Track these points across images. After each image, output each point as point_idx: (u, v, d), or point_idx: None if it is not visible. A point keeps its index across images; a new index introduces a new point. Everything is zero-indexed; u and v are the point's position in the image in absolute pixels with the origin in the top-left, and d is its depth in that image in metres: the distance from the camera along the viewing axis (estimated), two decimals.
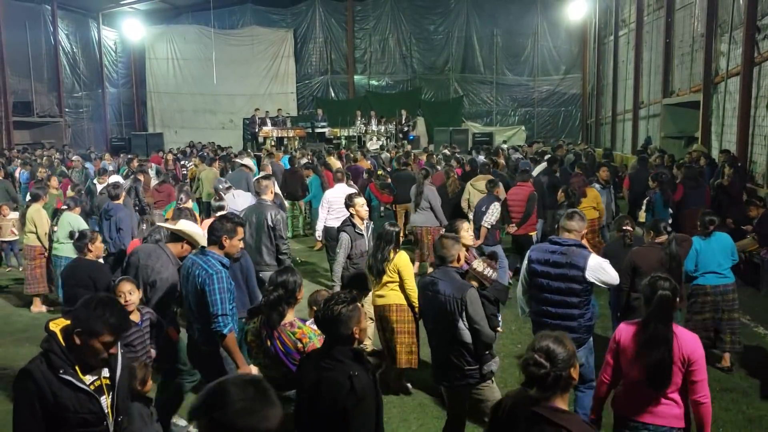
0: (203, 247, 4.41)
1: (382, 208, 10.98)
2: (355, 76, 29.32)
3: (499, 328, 4.42)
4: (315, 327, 3.45)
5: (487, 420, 2.79)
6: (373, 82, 29.40)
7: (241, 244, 4.48)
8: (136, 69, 30.15)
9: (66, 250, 7.84)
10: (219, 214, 6.22)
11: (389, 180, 11.41)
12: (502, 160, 14.33)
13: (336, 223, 7.50)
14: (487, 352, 4.19)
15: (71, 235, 5.70)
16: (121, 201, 7.90)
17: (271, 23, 29.16)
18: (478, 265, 4.51)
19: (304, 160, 13.84)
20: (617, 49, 23.46)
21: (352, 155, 16.11)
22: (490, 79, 28.42)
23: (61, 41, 25.69)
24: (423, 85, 28.67)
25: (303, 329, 3.56)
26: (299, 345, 3.48)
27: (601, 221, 9.36)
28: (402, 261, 5.56)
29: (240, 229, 4.38)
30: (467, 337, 4.10)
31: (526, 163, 13.91)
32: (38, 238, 8.35)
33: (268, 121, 23.65)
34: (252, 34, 28.67)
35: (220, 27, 28.54)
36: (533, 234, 9.12)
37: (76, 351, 2.68)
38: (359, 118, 23.78)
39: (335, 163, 13.84)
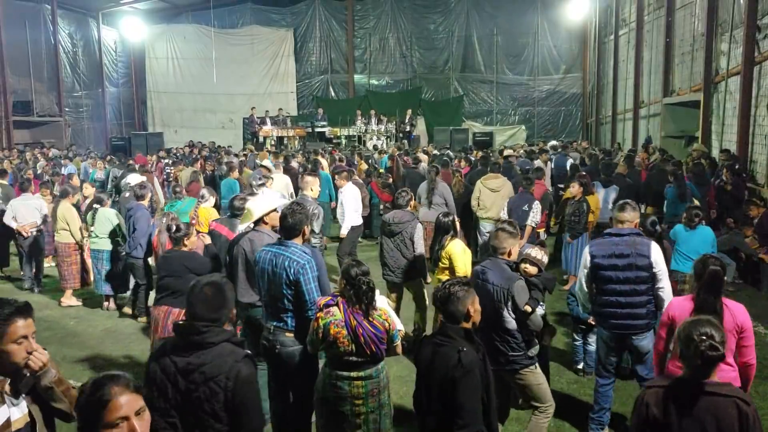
0: (280, 238, 4.52)
1: (382, 206, 11.06)
2: (355, 76, 29.31)
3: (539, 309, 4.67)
4: (385, 306, 4.06)
5: (632, 421, 2.98)
6: (373, 82, 29.38)
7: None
8: (136, 68, 30.14)
9: (106, 244, 8.22)
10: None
11: (390, 179, 11.53)
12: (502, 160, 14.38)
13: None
14: (528, 339, 4.46)
15: (169, 228, 5.84)
16: (145, 202, 8.08)
17: (271, 22, 29.15)
18: (533, 251, 4.77)
19: (294, 164, 13.87)
20: (617, 48, 23.44)
21: (337, 156, 16.13)
22: (491, 78, 28.40)
23: (61, 40, 25.67)
24: (423, 85, 28.65)
25: (383, 309, 3.97)
26: (386, 324, 3.87)
27: (594, 224, 9.35)
28: (453, 248, 5.96)
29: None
30: (512, 324, 4.35)
31: (526, 162, 13.96)
32: (71, 234, 8.49)
33: (268, 120, 23.66)
34: (252, 33, 28.66)
35: (220, 26, 28.53)
36: (541, 231, 9.23)
37: None
38: (359, 118, 23.78)
39: (325, 163, 13.93)
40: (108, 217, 8.30)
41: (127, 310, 8.33)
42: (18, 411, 2.60)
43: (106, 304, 8.55)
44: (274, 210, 5.26)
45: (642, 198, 10.83)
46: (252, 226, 5.26)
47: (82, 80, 27.30)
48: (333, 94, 29.45)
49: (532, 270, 4.68)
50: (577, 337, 6.17)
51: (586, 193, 8.69)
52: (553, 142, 22.07)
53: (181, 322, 2.93)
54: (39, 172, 14.89)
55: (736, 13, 13.39)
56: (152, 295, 8.56)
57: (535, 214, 8.56)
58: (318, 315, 3.92)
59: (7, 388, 2.59)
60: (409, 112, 24.72)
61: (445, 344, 3.28)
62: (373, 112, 24.28)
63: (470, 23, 28.11)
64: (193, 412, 2.75)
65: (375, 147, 21.53)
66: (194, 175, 11.78)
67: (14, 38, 22.64)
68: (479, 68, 28.51)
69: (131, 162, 15.61)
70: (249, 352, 2.88)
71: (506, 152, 14.70)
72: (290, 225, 4.41)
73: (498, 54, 28.13)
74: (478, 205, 9.43)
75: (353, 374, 3.84)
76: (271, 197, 7.07)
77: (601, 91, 26.34)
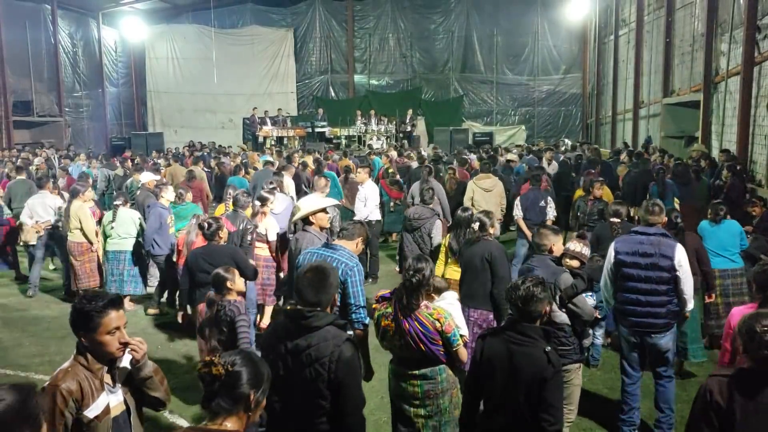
0: (327, 241, 4.69)
1: (392, 204, 11.19)
2: (355, 76, 29.31)
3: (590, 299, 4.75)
4: (444, 306, 3.96)
5: (694, 407, 2.98)
6: (373, 82, 29.39)
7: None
8: (136, 68, 30.14)
9: (129, 245, 8.21)
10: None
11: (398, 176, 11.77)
12: (502, 158, 14.48)
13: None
14: (580, 331, 4.58)
15: (201, 226, 5.94)
16: (162, 200, 8.24)
17: (271, 23, 29.16)
18: (573, 244, 4.91)
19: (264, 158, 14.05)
20: (617, 48, 23.46)
21: (320, 155, 16.26)
22: (491, 78, 28.41)
23: (61, 41, 25.66)
24: (423, 85, 28.66)
25: (438, 310, 3.82)
26: (437, 324, 3.72)
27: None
28: None
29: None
30: (561, 317, 4.44)
31: (534, 160, 14.06)
32: (84, 234, 8.41)
33: (268, 120, 23.66)
34: (252, 33, 28.67)
35: (220, 26, 28.53)
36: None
37: None
38: (359, 118, 23.78)
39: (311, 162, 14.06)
40: (131, 218, 8.29)
41: (152, 311, 8.33)
42: (115, 398, 2.78)
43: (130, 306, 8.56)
44: (323, 210, 5.47)
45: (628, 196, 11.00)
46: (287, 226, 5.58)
47: (82, 80, 27.29)
48: (333, 94, 29.46)
49: (573, 263, 4.81)
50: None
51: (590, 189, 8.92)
52: (567, 141, 22.28)
53: (289, 308, 3.18)
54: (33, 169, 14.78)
55: (736, 13, 13.40)
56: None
57: (552, 209, 8.84)
58: (374, 306, 4.00)
59: (106, 376, 2.76)
60: (410, 112, 24.72)
61: (525, 344, 3.27)
62: (373, 112, 24.29)
63: (470, 23, 28.12)
64: (301, 390, 2.99)
65: (369, 147, 21.54)
66: (189, 174, 11.79)
67: (14, 38, 22.65)
68: (479, 68, 28.52)
69: (137, 161, 15.61)
70: (350, 334, 3.17)
71: (509, 156, 14.75)
72: (348, 233, 4.64)
73: (498, 54, 28.14)
74: (472, 204, 9.45)
75: (408, 372, 3.84)
76: (320, 198, 7.29)
77: (601, 91, 26.36)
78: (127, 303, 8.61)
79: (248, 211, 7.33)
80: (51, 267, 10.65)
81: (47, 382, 2.66)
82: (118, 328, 2.70)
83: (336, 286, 3.24)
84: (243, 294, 4.81)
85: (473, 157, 14.94)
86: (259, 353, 3.91)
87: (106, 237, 8.32)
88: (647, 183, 10.53)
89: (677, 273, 4.62)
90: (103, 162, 16.11)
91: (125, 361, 2.82)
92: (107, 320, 2.68)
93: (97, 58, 28.23)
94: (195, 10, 29.14)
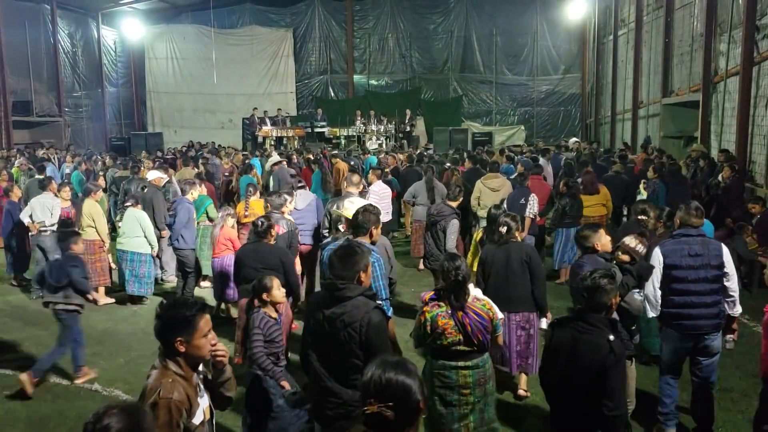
0: (348, 238, 4.73)
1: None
2: (355, 76, 29.30)
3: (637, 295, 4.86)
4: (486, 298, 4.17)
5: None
6: (373, 82, 29.38)
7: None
8: (136, 68, 30.13)
9: (133, 245, 8.32)
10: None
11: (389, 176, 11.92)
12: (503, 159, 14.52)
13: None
14: (633, 327, 4.72)
15: (255, 224, 5.97)
16: (189, 196, 8.46)
17: (271, 23, 29.15)
18: (630, 240, 4.94)
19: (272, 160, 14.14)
20: (617, 48, 23.46)
21: (306, 155, 16.40)
22: (490, 78, 28.41)
23: (61, 41, 25.65)
24: (422, 85, 28.65)
25: (485, 300, 4.09)
26: (490, 313, 4.00)
27: (608, 217, 9.73)
28: None
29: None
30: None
31: (528, 162, 14.09)
32: (98, 231, 8.52)
33: (268, 120, 23.67)
34: (251, 33, 28.67)
35: (220, 26, 28.51)
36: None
37: None
38: (359, 118, 23.79)
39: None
40: (136, 217, 8.38)
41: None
42: (204, 402, 2.85)
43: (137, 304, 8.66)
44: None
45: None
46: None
47: (82, 80, 27.29)
48: (332, 94, 29.45)
49: (625, 257, 4.87)
50: None
51: (576, 189, 9.20)
52: (574, 139, 22.39)
53: (327, 281, 3.59)
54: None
55: (735, 13, 13.41)
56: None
57: (532, 206, 8.87)
58: (424, 309, 4.07)
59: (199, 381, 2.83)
60: (408, 112, 24.72)
61: (590, 332, 3.43)
62: (372, 112, 24.29)
63: (469, 23, 28.12)
64: (337, 350, 3.42)
65: (363, 147, 21.58)
66: (198, 176, 11.83)
67: (14, 38, 22.64)
68: (478, 68, 28.52)
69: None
70: (379, 302, 3.48)
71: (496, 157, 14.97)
72: (358, 223, 4.68)
73: (497, 54, 28.13)
74: (479, 204, 9.46)
75: (460, 363, 3.96)
76: (304, 197, 7.69)
77: (600, 91, 26.36)
78: (102, 296, 8.56)
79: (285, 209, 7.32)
80: None
81: (157, 395, 2.62)
82: (209, 331, 2.79)
83: (362, 264, 3.52)
84: (277, 305, 4.76)
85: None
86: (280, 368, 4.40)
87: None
88: (633, 183, 10.97)
89: (726, 270, 4.72)
90: (113, 162, 16.06)
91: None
92: (203, 323, 2.76)
93: (96, 58, 28.22)
94: (194, 10, 29.12)
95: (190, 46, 28.73)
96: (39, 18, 24.39)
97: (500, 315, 4.17)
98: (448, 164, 13.10)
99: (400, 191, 11.62)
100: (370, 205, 4.96)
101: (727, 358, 6.33)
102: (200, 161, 14.64)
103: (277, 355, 4.53)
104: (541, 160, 13.77)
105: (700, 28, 15.63)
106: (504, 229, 5.62)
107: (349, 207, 5.80)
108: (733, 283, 4.77)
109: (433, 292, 4.15)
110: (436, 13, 28.43)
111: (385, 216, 9.27)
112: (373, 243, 4.71)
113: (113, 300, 8.70)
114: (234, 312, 7.67)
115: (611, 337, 3.39)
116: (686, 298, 4.72)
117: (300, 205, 7.96)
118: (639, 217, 6.81)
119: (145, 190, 9.56)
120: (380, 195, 9.25)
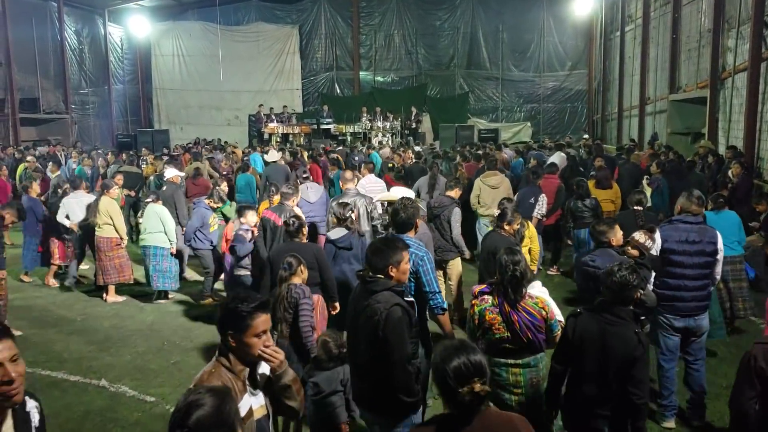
0: (393, 233, 4.75)
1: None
2: (361, 73, 29.29)
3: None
4: (539, 294, 4.13)
5: (739, 373, 3.29)
6: (379, 79, 29.35)
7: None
8: (142, 65, 30.21)
9: (155, 240, 8.44)
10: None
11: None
12: (504, 155, 14.51)
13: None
14: (642, 318, 4.82)
15: (286, 223, 5.98)
16: (209, 201, 8.54)
17: (277, 20, 29.17)
18: (639, 236, 5.07)
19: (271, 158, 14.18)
20: (623, 44, 23.37)
21: (292, 151, 16.44)
22: (496, 75, 28.35)
23: (68, 38, 25.74)
24: (428, 82, 28.61)
25: (540, 299, 4.03)
26: (543, 313, 3.94)
27: (616, 214, 9.56)
28: (532, 231, 7.07)
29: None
30: None
31: (541, 155, 14.11)
32: (116, 228, 8.61)
33: (274, 117, 23.70)
34: (257, 30, 28.69)
35: (226, 23, 28.54)
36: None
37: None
38: (365, 115, 23.78)
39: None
40: (156, 213, 8.48)
41: (206, 301, 8.52)
42: (257, 401, 2.78)
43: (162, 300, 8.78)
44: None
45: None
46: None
47: (89, 77, 27.38)
48: (338, 91, 29.44)
49: (634, 252, 4.99)
50: None
51: (583, 189, 9.13)
52: (586, 136, 22.35)
53: (361, 273, 3.72)
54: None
55: (743, 8, 13.34)
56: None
57: (541, 207, 8.96)
58: (473, 302, 4.10)
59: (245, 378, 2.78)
60: (414, 109, 24.69)
61: (618, 324, 3.55)
62: (378, 109, 24.26)
63: (476, 20, 28.06)
64: (363, 339, 3.55)
65: (362, 143, 21.59)
66: (195, 171, 11.88)
67: (21, 36, 22.72)
68: (485, 65, 28.46)
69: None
70: (402, 301, 3.51)
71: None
72: (403, 220, 4.68)
73: (503, 50, 28.07)
74: (479, 202, 9.45)
75: (510, 361, 3.95)
76: (402, 189, 7.78)
77: (607, 87, 26.27)
78: (111, 295, 8.74)
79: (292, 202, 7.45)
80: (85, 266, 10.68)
81: (195, 384, 2.61)
82: (264, 332, 2.73)
83: (392, 260, 3.59)
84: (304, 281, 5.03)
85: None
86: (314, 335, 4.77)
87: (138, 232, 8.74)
88: (638, 178, 10.96)
89: (717, 257, 4.98)
90: (114, 158, 16.12)
91: (265, 368, 2.81)
92: (257, 322, 2.70)
93: (103, 55, 28.32)
94: (200, 7, 29.17)
95: (196, 43, 28.79)
96: (46, 15, 24.47)
97: (558, 316, 4.09)
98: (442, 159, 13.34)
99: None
100: (408, 198, 5.00)
101: (729, 354, 6.36)
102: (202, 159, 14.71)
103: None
104: (555, 157, 13.66)
105: (708, 24, 15.55)
106: (497, 213, 5.91)
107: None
108: (718, 267, 5.05)
109: (485, 285, 4.15)
110: (442, 10, 28.37)
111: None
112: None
113: (123, 298, 8.80)
114: None
115: (638, 329, 3.52)
116: (680, 282, 4.95)
117: (312, 198, 8.16)
118: (635, 208, 7.08)
119: (164, 188, 9.64)
120: (366, 189, 9.19)
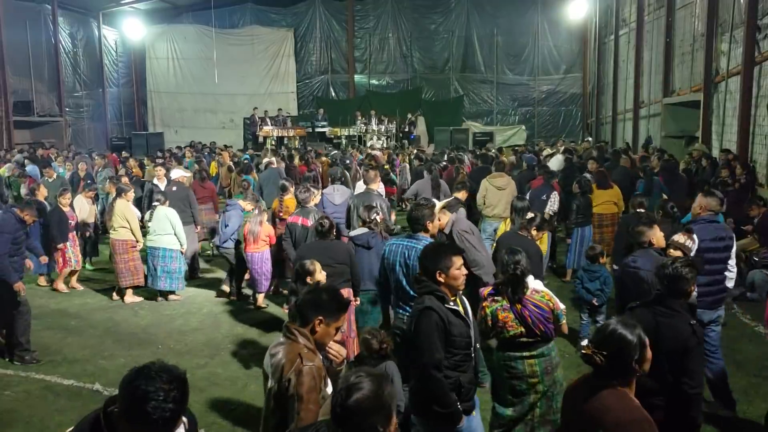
0: (410, 233, 4.93)
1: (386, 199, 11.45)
2: (356, 76, 29.31)
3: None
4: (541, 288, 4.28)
5: None
6: (374, 82, 29.38)
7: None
8: (137, 68, 30.14)
9: (165, 242, 8.54)
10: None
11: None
12: (509, 159, 14.66)
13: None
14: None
15: (322, 225, 6.10)
16: (243, 203, 8.73)
17: (272, 23, 29.16)
18: (679, 237, 5.11)
19: (266, 160, 14.22)
20: (618, 48, 23.46)
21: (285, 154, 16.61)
22: (491, 78, 28.42)
23: (62, 41, 25.63)
24: (423, 85, 28.66)
25: (545, 292, 4.21)
26: (550, 304, 4.11)
27: (619, 216, 9.59)
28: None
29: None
30: None
31: (532, 158, 14.23)
32: (132, 231, 8.66)
33: (269, 120, 23.69)
34: (252, 33, 28.67)
35: (221, 26, 28.52)
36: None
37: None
38: (359, 118, 23.80)
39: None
40: (166, 215, 8.55)
41: (226, 288, 8.89)
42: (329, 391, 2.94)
43: (160, 299, 8.88)
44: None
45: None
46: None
47: (83, 80, 27.29)
48: (333, 94, 29.45)
49: (676, 253, 4.96)
50: (583, 317, 6.85)
51: (588, 188, 9.32)
52: (589, 138, 22.45)
53: (417, 276, 3.78)
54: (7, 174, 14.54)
55: (736, 13, 13.41)
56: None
57: (553, 204, 9.10)
58: (483, 304, 4.19)
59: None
60: (410, 114, 24.72)
61: (671, 316, 3.61)
62: (373, 112, 24.29)
63: (470, 23, 28.12)
64: (413, 338, 3.60)
65: (352, 146, 21.66)
66: (200, 174, 11.88)
67: (15, 38, 22.62)
68: (479, 68, 28.52)
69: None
70: (439, 306, 3.51)
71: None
72: (414, 218, 4.86)
73: (498, 54, 28.14)
74: (484, 203, 9.43)
75: (525, 353, 4.08)
76: (341, 193, 7.99)
77: (601, 91, 26.36)
78: (129, 296, 8.82)
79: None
80: (89, 267, 10.64)
81: (300, 362, 2.76)
82: (338, 329, 2.94)
83: (438, 265, 3.61)
84: None
85: (466, 157, 15.10)
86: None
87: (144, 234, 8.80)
88: (633, 180, 11.02)
89: (732, 252, 5.30)
90: (103, 162, 16.02)
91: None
92: (343, 317, 2.93)
93: (97, 58, 28.22)
94: (195, 10, 29.12)
95: (191, 46, 28.74)
96: (40, 18, 24.38)
97: (561, 306, 4.26)
98: (444, 162, 13.31)
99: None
100: (425, 199, 5.14)
101: (728, 358, 6.34)
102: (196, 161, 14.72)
103: None
104: (554, 161, 13.80)
105: (702, 28, 15.62)
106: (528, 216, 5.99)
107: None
108: (732, 261, 5.33)
109: (491, 287, 4.27)
110: (437, 13, 28.43)
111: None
112: (432, 237, 4.92)
113: (141, 299, 8.87)
114: (261, 301, 8.39)
115: (693, 321, 3.59)
116: (710, 277, 5.09)
117: (337, 200, 8.31)
118: (638, 210, 7.10)
119: (174, 189, 9.64)
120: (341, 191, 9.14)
